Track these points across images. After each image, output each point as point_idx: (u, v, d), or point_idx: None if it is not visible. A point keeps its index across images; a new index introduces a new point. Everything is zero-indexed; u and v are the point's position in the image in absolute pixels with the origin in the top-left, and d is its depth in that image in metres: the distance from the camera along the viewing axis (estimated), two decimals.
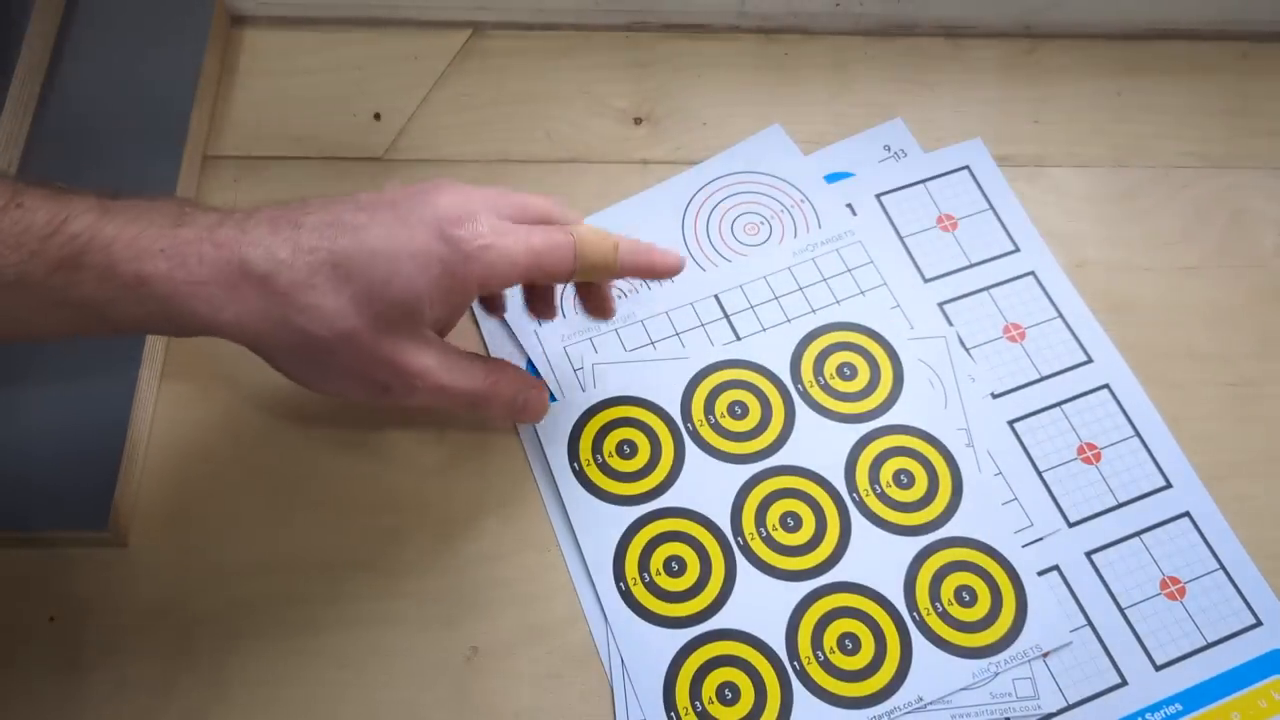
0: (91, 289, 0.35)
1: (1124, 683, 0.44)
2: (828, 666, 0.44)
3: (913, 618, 0.45)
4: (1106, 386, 0.50)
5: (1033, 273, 0.52)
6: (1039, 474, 0.48)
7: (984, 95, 0.57)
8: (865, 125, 0.56)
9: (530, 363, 0.50)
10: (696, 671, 0.44)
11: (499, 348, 0.50)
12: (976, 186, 0.55)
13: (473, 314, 0.51)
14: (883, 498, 0.47)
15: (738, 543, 0.46)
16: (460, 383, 0.40)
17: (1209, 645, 0.45)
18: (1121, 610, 0.46)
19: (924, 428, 0.49)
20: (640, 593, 0.45)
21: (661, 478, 0.47)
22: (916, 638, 0.45)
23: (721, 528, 0.46)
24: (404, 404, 0.40)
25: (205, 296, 0.36)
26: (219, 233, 0.36)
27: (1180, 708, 0.44)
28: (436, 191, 0.39)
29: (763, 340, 0.51)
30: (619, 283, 0.51)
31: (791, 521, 0.47)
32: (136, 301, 0.35)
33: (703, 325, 0.51)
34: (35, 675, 0.44)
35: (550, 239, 0.40)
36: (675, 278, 0.51)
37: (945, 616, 0.45)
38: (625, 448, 0.48)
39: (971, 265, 0.53)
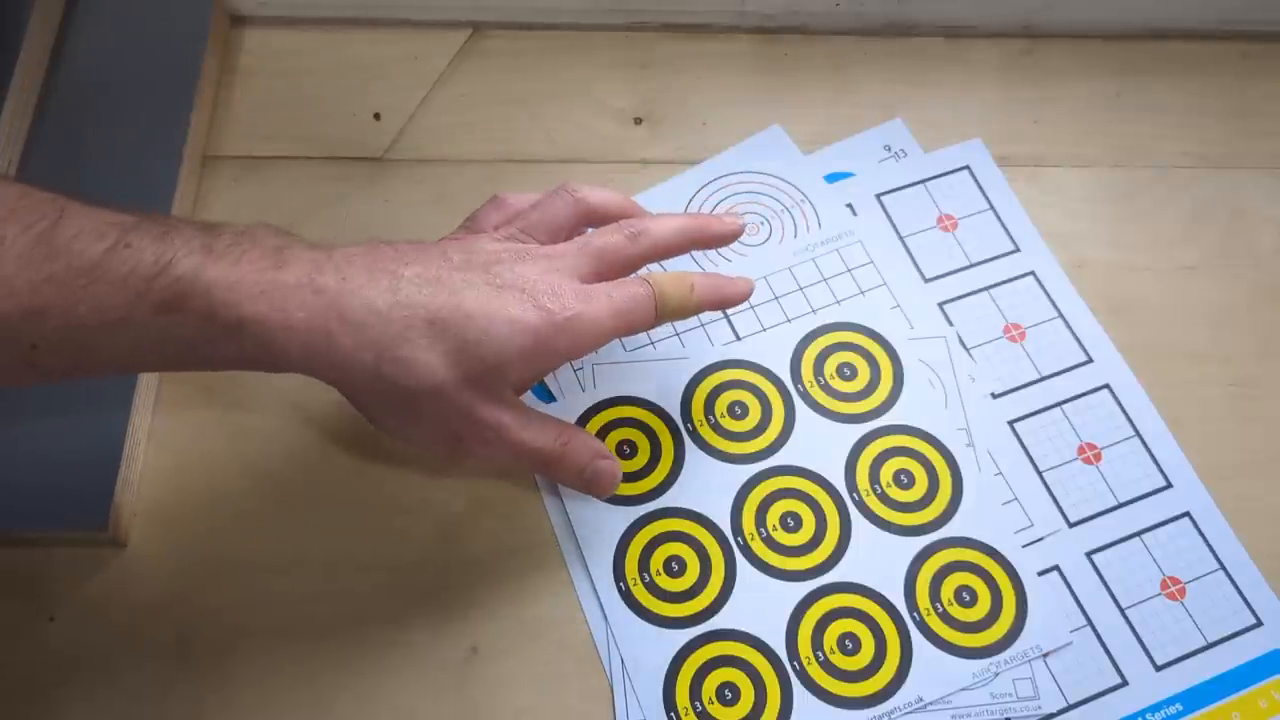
0: (192, 330, 0.36)
1: (1124, 683, 0.44)
2: (828, 666, 0.44)
3: (913, 618, 0.45)
4: (1106, 386, 0.50)
5: (1033, 273, 0.52)
6: (1039, 474, 0.48)
7: (984, 95, 0.57)
8: (865, 125, 0.56)
9: None
10: (696, 672, 0.44)
11: None
12: (976, 186, 0.55)
13: None
14: (883, 498, 0.47)
15: (738, 543, 0.46)
16: (534, 441, 0.41)
17: (1209, 645, 0.45)
18: (1122, 610, 0.46)
19: (924, 428, 0.49)
20: (640, 593, 0.45)
21: (661, 478, 0.47)
22: (916, 638, 0.44)
23: (721, 528, 0.46)
24: (476, 456, 0.41)
25: (302, 342, 0.37)
26: (319, 279, 0.37)
27: (1180, 708, 0.44)
28: (522, 260, 0.40)
29: (763, 340, 0.50)
30: None
31: (791, 521, 0.47)
32: (235, 343, 0.36)
33: (703, 325, 0.51)
34: (35, 675, 0.44)
35: (631, 295, 0.41)
36: None
37: (945, 617, 0.45)
38: (625, 448, 0.48)
39: (971, 265, 0.53)
